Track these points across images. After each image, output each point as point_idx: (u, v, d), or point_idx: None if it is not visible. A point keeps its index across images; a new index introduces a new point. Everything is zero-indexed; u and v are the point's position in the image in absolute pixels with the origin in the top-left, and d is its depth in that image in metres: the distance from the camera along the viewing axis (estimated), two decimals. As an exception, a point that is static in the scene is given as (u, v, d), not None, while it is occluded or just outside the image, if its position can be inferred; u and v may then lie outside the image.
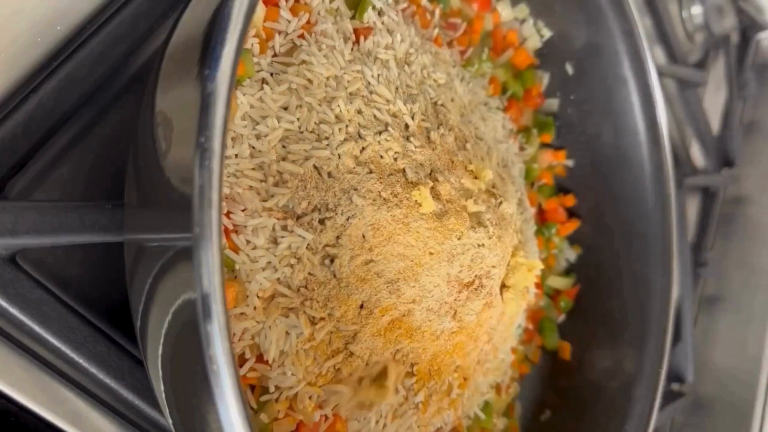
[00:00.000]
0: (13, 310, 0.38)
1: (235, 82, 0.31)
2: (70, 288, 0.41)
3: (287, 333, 0.42)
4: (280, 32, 0.45)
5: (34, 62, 0.41)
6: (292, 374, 0.42)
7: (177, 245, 0.30)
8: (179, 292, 0.30)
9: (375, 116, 0.46)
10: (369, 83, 0.47)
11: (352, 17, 0.50)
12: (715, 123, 1.03)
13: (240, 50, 0.31)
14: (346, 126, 0.44)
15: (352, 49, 0.48)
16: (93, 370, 0.41)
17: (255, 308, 0.41)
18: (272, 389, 0.42)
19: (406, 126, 0.48)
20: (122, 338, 0.43)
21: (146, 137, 0.34)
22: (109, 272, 0.43)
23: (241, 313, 0.40)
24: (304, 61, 0.44)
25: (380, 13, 0.51)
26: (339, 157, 0.43)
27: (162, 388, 0.35)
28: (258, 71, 0.43)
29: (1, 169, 0.40)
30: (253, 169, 0.41)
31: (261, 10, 0.44)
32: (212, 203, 0.28)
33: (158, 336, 0.33)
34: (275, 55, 0.45)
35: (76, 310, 0.41)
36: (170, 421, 0.36)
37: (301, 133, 0.43)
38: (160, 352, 0.33)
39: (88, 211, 0.38)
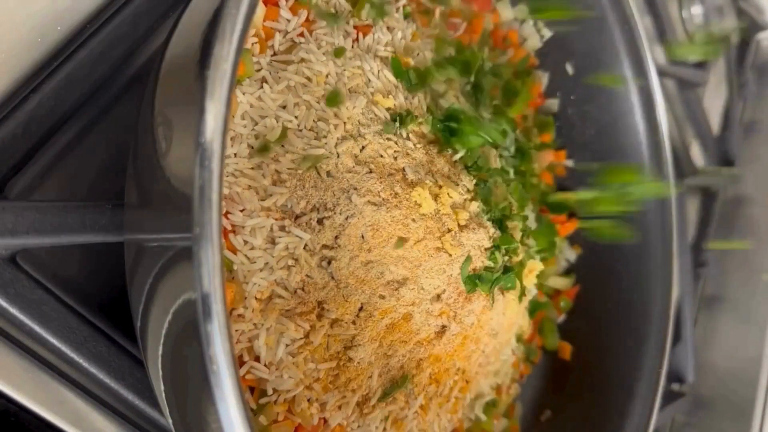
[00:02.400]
0: (13, 310, 0.38)
1: (235, 82, 0.31)
2: (70, 288, 0.41)
3: (281, 336, 0.42)
4: (279, 31, 0.45)
5: (34, 62, 0.41)
6: (290, 377, 0.42)
7: (177, 245, 0.30)
8: (179, 292, 0.30)
9: (375, 113, 0.46)
10: (369, 80, 0.47)
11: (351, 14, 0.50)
12: (715, 123, 1.03)
13: (240, 50, 0.31)
14: (345, 124, 0.44)
15: (352, 46, 0.48)
16: (93, 370, 0.41)
17: (253, 310, 0.40)
18: (270, 392, 0.42)
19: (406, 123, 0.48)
20: (122, 338, 0.43)
21: (146, 137, 0.34)
22: (109, 272, 0.43)
23: (239, 315, 0.40)
24: (303, 59, 0.44)
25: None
26: (338, 156, 0.43)
27: (162, 388, 0.35)
28: (258, 70, 0.43)
29: (1, 169, 0.40)
30: (252, 168, 0.41)
31: (261, 9, 0.44)
32: (212, 203, 0.28)
33: (158, 336, 0.33)
34: (275, 54, 0.45)
35: (76, 310, 0.41)
36: (170, 421, 0.36)
37: (300, 131, 0.43)
38: (160, 352, 0.33)
39: (88, 211, 0.38)
